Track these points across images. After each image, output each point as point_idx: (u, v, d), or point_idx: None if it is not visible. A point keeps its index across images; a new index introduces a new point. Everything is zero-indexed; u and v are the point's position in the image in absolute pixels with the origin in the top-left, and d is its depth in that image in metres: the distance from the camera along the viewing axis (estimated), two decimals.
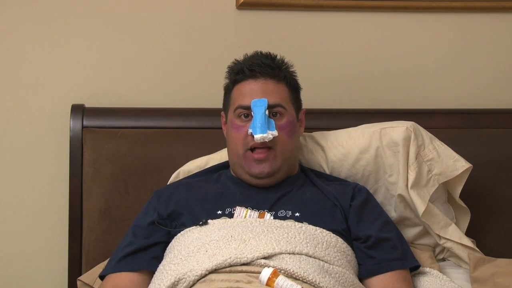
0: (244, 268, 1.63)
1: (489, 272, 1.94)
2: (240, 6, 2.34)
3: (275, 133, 1.86)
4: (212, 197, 1.90)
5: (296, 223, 1.78)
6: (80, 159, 2.21)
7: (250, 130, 1.86)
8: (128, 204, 2.18)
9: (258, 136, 1.84)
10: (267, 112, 1.86)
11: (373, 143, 2.06)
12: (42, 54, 2.32)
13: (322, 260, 1.71)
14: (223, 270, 1.63)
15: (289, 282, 1.55)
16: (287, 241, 1.70)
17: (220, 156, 2.12)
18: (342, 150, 2.08)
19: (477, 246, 2.06)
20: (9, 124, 2.33)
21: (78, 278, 2.00)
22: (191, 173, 2.09)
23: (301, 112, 2.01)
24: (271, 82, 1.91)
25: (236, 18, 2.36)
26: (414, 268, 1.88)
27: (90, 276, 1.99)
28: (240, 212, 1.83)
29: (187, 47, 2.36)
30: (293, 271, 1.62)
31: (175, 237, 1.81)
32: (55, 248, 2.34)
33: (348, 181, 2.04)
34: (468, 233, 2.09)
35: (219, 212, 1.85)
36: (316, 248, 1.72)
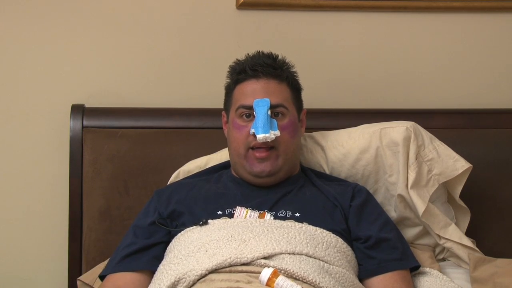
0: (244, 268, 1.63)
1: (489, 272, 1.94)
2: (240, 6, 2.34)
3: (278, 133, 1.86)
4: (213, 197, 1.90)
5: (296, 223, 1.78)
6: (80, 159, 2.21)
7: (252, 130, 1.86)
8: (128, 204, 2.18)
9: (260, 136, 1.83)
10: (269, 112, 1.86)
11: (373, 143, 2.06)
12: (42, 54, 2.32)
13: (322, 260, 1.71)
14: (223, 270, 1.63)
15: (289, 282, 1.55)
16: (287, 241, 1.70)
17: (220, 156, 2.12)
18: (342, 150, 2.08)
19: (477, 246, 2.06)
20: (9, 124, 2.33)
21: (78, 278, 2.00)
22: (191, 173, 2.09)
23: (302, 112, 2.01)
24: (273, 82, 1.91)
25: (236, 18, 2.36)
26: (414, 268, 1.88)
27: (90, 276, 1.99)
28: (240, 212, 1.83)
29: (187, 47, 2.36)
30: (293, 271, 1.62)
31: (175, 237, 1.81)
32: (55, 248, 2.34)
33: (348, 181, 2.04)
34: (468, 233, 2.09)
35: (220, 212, 1.85)
36: (316, 248, 1.72)
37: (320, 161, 2.10)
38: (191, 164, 2.13)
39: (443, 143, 2.08)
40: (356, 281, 1.75)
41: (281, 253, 1.67)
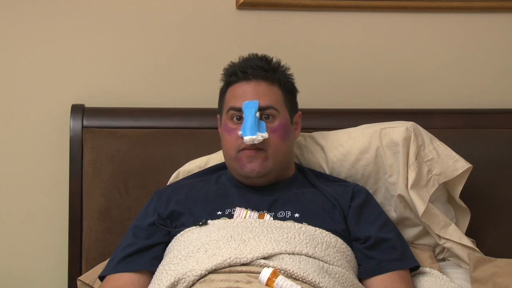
0: (244, 268, 1.63)
1: (489, 272, 1.94)
2: (240, 6, 2.34)
3: (265, 135, 1.85)
4: (212, 198, 1.90)
5: (296, 223, 1.78)
6: (80, 159, 2.21)
7: (240, 132, 1.86)
8: (128, 204, 2.18)
9: (247, 138, 1.83)
10: (258, 114, 1.86)
11: (373, 143, 2.06)
12: (42, 54, 2.32)
13: (322, 261, 1.71)
14: (223, 270, 1.63)
15: (289, 282, 1.55)
16: (287, 241, 1.70)
17: (220, 156, 2.11)
18: (342, 150, 2.08)
19: (477, 246, 2.06)
20: (9, 124, 2.33)
21: (78, 278, 2.00)
22: (191, 173, 2.09)
23: (296, 115, 2.00)
24: (263, 84, 1.91)
25: (236, 18, 2.36)
26: (414, 268, 1.88)
27: (90, 276, 1.99)
28: (240, 212, 1.83)
29: (187, 47, 2.36)
30: (292, 271, 1.62)
31: (175, 237, 1.81)
32: (55, 248, 2.34)
33: (347, 181, 2.04)
34: (468, 233, 2.09)
35: (219, 212, 1.85)
36: (316, 249, 1.72)
37: (320, 161, 2.10)
38: (191, 164, 2.13)
39: (443, 143, 2.08)
40: (356, 281, 1.75)
41: (280, 253, 1.67)
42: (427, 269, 1.93)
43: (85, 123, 2.23)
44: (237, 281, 1.57)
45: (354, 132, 2.11)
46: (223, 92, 1.97)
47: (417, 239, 2.10)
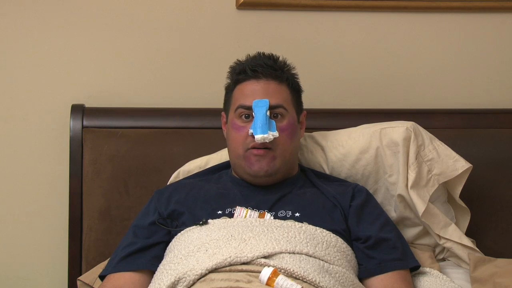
0: (244, 267, 1.63)
1: (489, 272, 1.94)
2: (240, 6, 2.34)
3: (276, 134, 1.86)
4: (213, 197, 1.90)
5: (296, 223, 1.78)
6: (80, 159, 2.21)
7: (250, 131, 1.86)
8: (128, 204, 2.18)
9: (258, 137, 1.83)
10: (268, 113, 1.86)
11: (373, 143, 2.06)
12: (42, 54, 2.32)
13: (322, 260, 1.71)
14: (223, 269, 1.63)
15: (289, 281, 1.55)
16: (287, 240, 1.70)
17: (220, 156, 2.12)
18: (342, 150, 2.08)
19: (477, 246, 2.06)
20: (9, 124, 2.33)
21: (78, 278, 2.00)
22: (191, 173, 2.09)
23: (302, 114, 2.00)
24: (273, 83, 1.91)
25: (236, 18, 2.36)
26: (414, 268, 1.88)
27: (90, 276, 1.99)
28: (240, 212, 1.83)
29: (187, 47, 2.36)
30: (293, 270, 1.62)
31: (175, 236, 1.81)
32: (55, 248, 2.34)
33: (348, 181, 2.04)
34: (468, 233, 2.09)
35: (220, 212, 1.85)
36: (316, 248, 1.72)
37: (320, 161, 2.10)
38: (191, 164, 2.13)
39: (443, 143, 2.08)
40: (356, 280, 1.75)
41: (281, 253, 1.67)
42: (427, 269, 1.93)
43: (85, 123, 2.23)
44: (237, 281, 1.57)
45: (354, 132, 2.11)
46: (230, 90, 1.96)
47: (417, 239, 2.10)
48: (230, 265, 1.63)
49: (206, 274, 1.62)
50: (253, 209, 1.84)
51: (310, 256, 1.70)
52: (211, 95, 2.25)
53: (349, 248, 1.81)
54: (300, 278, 1.61)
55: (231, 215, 1.83)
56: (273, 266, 1.61)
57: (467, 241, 2.03)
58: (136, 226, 1.89)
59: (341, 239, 1.80)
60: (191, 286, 1.62)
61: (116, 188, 2.19)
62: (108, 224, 2.18)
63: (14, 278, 2.36)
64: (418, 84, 2.44)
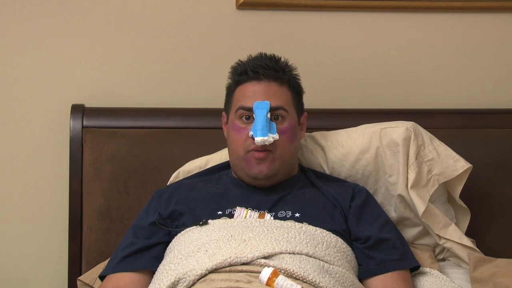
0: (244, 267, 1.63)
1: (489, 272, 1.94)
2: (240, 6, 2.34)
3: (276, 136, 1.85)
4: (213, 198, 1.90)
5: (296, 223, 1.78)
6: (80, 159, 2.21)
7: (251, 133, 1.86)
8: (128, 204, 2.18)
9: (258, 139, 1.83)
10: (269, 115, 1.86)
11: (373, 143, 2.06)
12: (42, 54, 2.32)
13: (322, 260, 1.71)
14: (223, 269, 1.63)
15: (289, 282, 1.55)
16: (287, 241, 1.70)
17: (220, 156, 2.12)
18: (342, 150, 2.08)
19: (477, 246, 2.06)
20: (9, 124, 2.33)
21: (78, 278, 2.00)
22: (191, 173, 2.09)
23: (302, 116, 2.00)
24: (274, 84, 1.91)
25: (236, 18, 2.36)
26: (414, 269, 1.88)
27: (90, 276, 1.99)
28: (241, 212, 1.83)
29: (187, 47, 2.36)
30: (293, 271, 1.62)
31: (175, 237, 1.81)
32: (55, 248, 2.34)
33: (348, 181, 2.04)
34: (468, 233, 2.09)
35: (220, 212, 1.85)
36: (316, 248, 1.72)
37: (320, 161, 2.10)
38: (191, 164, 2.13)
39: (443, 143, 2.08)
40: (356, 281, 1.75)
41: (281, 253, 1.67)
42: (427, 269, 1.93)
43: (85, 123, 2.23)
44: (237, 281, 1.57)
45: (354, 132, 2.10)
46: (231, 91, 1.96)
47: (417, 239, 2.10)
48: (230, 265, 1.63)
49: (206, 275, 1.62)
50: (253, 210, 1.84)
51: (310, 256, 1.70)
52: (211, 95, 2.25)
53: (349, 248, 1.81)
54: (300, 279, 1.61)
55: (231, 216, 1.83)
56: (273, 267, 1.61)
57: (467, 241, 2.03)
58: (136, 226, 1.89)
59: (341, 240, 1.80)
60: (191, 286, 1.62)
61: (116, 188, 2.19)
62: (108, 224, 2.18)
63: (14, 278, 2.37)
64: (418, 84, 2.44)
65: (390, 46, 2.42)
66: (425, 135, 2.08)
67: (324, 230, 1.79)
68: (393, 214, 2.07)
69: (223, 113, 2.02)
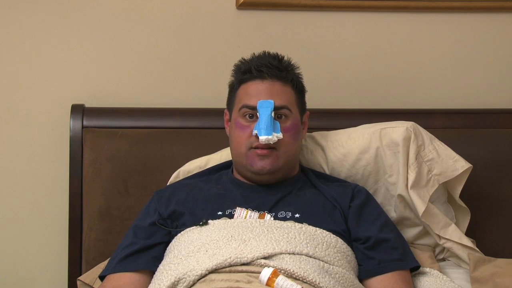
0: (244, 268, 1.63)
1: (489, 272, 1.94)
2: (240, 6, 2.34)
3: (280, 135, 1.86)
4: (213, 198, 1.90)
5: (296, 223, 1.78)
6: (80, 159, 2.21)
7: (255, 131, 1.86)
8: (128, 204, 2.18)
9: (263, 138, 1.83)
10: (273, 114, 1.86)
11: (373, 143, 2.06)
12: (42, 54, 2.32)
13: (322, 261, 1.71)
14: (223, 270, 1.63)
15: (289, 282, 1.55)
16: (287, 241, 1.70)
17: (220, 156, 2.12)
18: (342, 150, 2.08)
19: (477, 246, 2.06)
20: (9, 124, 2.33)
21: (78, 278, 2.00)
22: (191, 173, 2.09)
23: (305, 115, 2.01)
24: (278, 83, 1.91)
25: (236, 18, 2.36)
26: (414, 269, 1.88)
27: (90, 276, 1.99)
28: (241, 212, 1.83)
29: (187, 47, 2.36)
30: (293, 271, 1.62)
31: (175, 237, 1.81)
32: (55, 248, 2.34)
33: (348, 181, 2.04)
34: (468, 233, 2.09)
35: (220, 212, 1.85)
36: (316, 249, 1.72)
37: (320, 161, 2.10)
38: (191, 164, 2.13)
39: (443, 143, 2.08)
40: (356, 281, 1.75)
41: (281, 253, 1.67)
42: (427, 269, 1.93)
43: (85, 123, 2.23)
44: (237, 281, 1.57)
45: (354, 132, 2.10)
46: (234, 89, 1.96)
47: (417, 239, 2.10)
48: (230, 265, 1.63)
49: (206, 275, 1.62)
50: (253, 210, 1.84)
51: (310, 256, 1.70)
52: (211, 95, 2.25)
53: (349, 248, 1.81)
54: (300, 279, 1.61)
55: (231, 216, 1.83)
56: (273, 267, 1.61)
57: (467, 241, 2.03)
58: (136, 226, 1.89)
59: (341, 240, 1.80)
60: (191, 286, 1.62)
61: (116, 188, 2.19)
62: (108, 224, 2.18)
63: (14, 278, 2.37)
64: (418, 84, 2.44)
65: (390, 46, 2.42)
66: (425, 135, 2.08)
67: (324, 231, 1.79)
68: (393, 214, 2.07)
69: (225, 110, 2.02)
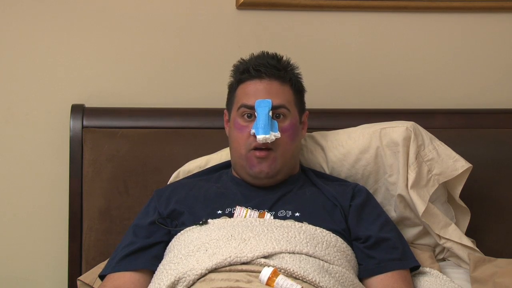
0: (244, 267, 1.63)
1: (489, 272, 1.94)
2: (240, 6, 2.34)
3: (278, 134, 1.86)
4: (213, 197, 1.90)
5: (296, 222, 1.78)
6: (80, 159, 2.21)
7: (252, 130, 1.86)
8: (128, 204, 2.18)
9: (260, 137, 1.83)
10: (270, 113, 1.86)
11: (373, 143, 2.06)
12: (42, 54, 2.32)
13: (322, 260, 1.71)
14: (223, 269, 1.63)
15: (289, 281, 1.55)
16: (287, 240, 1.70)
17: (220, 156, 2.12)
18: (342, 150, 2.08)
19: (477, 246, 2.06)
20: (9, 124, 2.33)
21: (78, 278, 2.00)
22: (191, 173, 2.09)
23: (304, 114, 2.00)
24: (276, 83, 1.91)
25: (236, 18, 2.36)
26: (414, 268, 1.88)
27: (90, 276, 1.99)
28: (240, 211, 1.83)
29: (187, 47, 2.36)
30: (293, 270, 1.62)
31: (175, 236, 1.81)
32: (55, 248, 2.34)
33: (348, 181, 2.04)
34: (468, 233, 2.09)
35: (219, 211, 1.85)
36: (316, 248, 1.72)
37: (320, 161, 2.10)
38: (191, 164, 2.13)
39: (443, 143, 2.08)
40: (356, 280, 1.75)
41: (281, 253, 1.67)
42: (427, 269, 1.93)
43: (85, 123, 2.23)
44: (237, 280, 1.57)
45: (354, 132, 2.11)
46: (233, 89, 1.97)
47: (417, 239, 2.10)
48: (230, 265, 1.63)
49: (206, 274, 1.62)
50: (253, 209, 1.84)
51: (310, 256, 1.70)
52: (211, 95, 2.25)
53: (349, 248, 1.81)
54: (300, 278, 1.61)
55: (231, 215, 1.83)
56: (273, 266, 1.61)
57: (467, 241, 2.03)
58: (136, 225, 1.89)
59: (341, 239, 1.80)
60: (191, 286, 1.62)
61: (116, 188, 2.19)
62: (108, 224, 2.18)
63: (14, 278, 2.36)
64: (418, 84, 2.44)
65: (390, 46, 2.42)
66: (425, 135, 2.08)
67: (324, 230, 1.79)
68: (393, 214, 2.07)
69: (225, 111, 2.02)
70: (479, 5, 2.40)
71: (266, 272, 1.57)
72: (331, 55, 2.40)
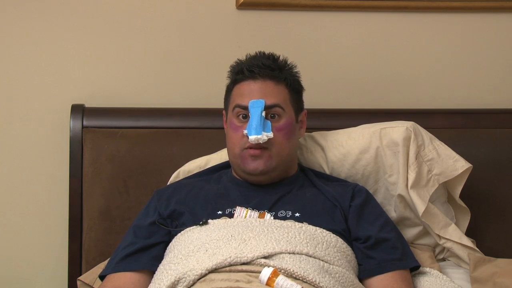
0: (244, 267, 1.63)
1: (489, 272, 1.94)
2: (240, 6, 2.34)
3: (270, 135, 1.86)
4: (213, 197, 1.90)
5: (296, 223, 1.78)
6: (80, 159, 2.21)
7: (245, 131, 1.86)
8: (128, 204, 2.18)
9: (252, 138, 1.84)
10: (263, 114, 1.86)
11: (373, 143, 2.06)
12: (42, 54, 2.32)
13: (322, 260, 1.71)
14: (223, 269, 1.63)
15: (289, 282, 1.55)
16: (287, 240, 1.70)
17: (220, 156, 2.12)
18: (342, 150, 2.08)
19: (477, 246, 2.06)
20: (9, 124, 2.33)
21: (78, 278, 2.00)
22: (191, 173, 2.09)
23: (302, 113, 2.00)
24: (270, 83, 1.91)
25: (236, 18, 2.36)
26: (414, 268, 1.88)
27: (90, 276, 1.99)
28: (240, 212, 1.83)
29: (187, 47, 2.36)
30: (293, 270, 1.62)
31: (175, 236, 1.81)
32: (55, 248, 2.34)
33: (348, 181, 2.04)
34: (468, 233, 2.09)
35: (220, 212, 1.85)
36: (316, 248, 1.72)
37: (320, 161, 2.10)
38: (191, 164, 2.13)
39: (443, 143, 2.08)
40: (356, 281, 1.75)
41: (281, 253, 1.67)
42: (427, 269, 1.93)
43: (85, 123, 2.23)
44: (237, 281, 1.58)
45: (354, 132, 2.10)
46: (229, 89, 1.97)
47: (417, 239, 2.10)
48: (230, 265, 1.63)
49: (206, 274, 1.62)
50: (253, 209, 1.84)
51: (310, 256, 1.70)
52: (211, 95, 2.25)
53: (349, 248, 1.82)
54: (300, 278, 1.61)
55: (231, 215, 1.83)
56: (273, 266, 1.61)
57: (467, 241, 2.03)
58: (136, 226, 1.89)
59: (341, 239, 1.80)
60: (191, 286, 1.62)
61: (116, 188, 2.19)
62: (108, 224, 2.18)
63: (14, 278, 2.36)
64: (418, 84, 2.44)
65: (390, 46, 2.42)
66: (425, 135, 2.08)
67: (324, 230, 1.79)
68: (393, 214, 2.07)
69: (223, 111, 2.03)
70: (479, 5, 2.40)
71: (266, 272, 1.57)
72: (331, 55, 2.40)
